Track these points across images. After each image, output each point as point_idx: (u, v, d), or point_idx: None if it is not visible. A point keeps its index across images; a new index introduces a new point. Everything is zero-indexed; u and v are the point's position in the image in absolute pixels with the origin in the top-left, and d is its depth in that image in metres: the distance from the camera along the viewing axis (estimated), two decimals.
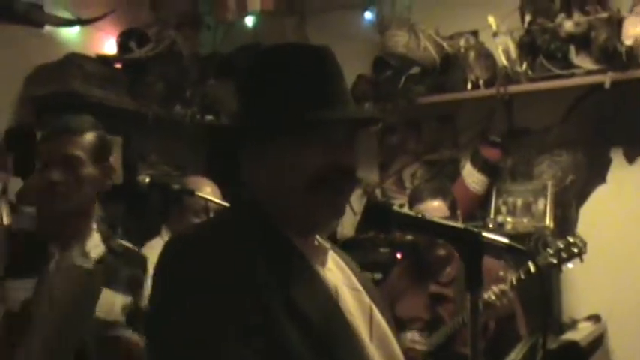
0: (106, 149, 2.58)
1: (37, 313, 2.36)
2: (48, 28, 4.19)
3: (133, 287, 2.58)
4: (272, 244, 1.55)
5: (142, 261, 2.69)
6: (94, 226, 2.58)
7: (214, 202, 3.20)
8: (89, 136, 2.49)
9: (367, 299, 1.66)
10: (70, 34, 4.34)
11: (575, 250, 3.38)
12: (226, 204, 2.90)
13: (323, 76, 1.61)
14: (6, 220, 3.33)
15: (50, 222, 2.50)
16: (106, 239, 2.59)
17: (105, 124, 4.15)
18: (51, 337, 2.36)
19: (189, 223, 3.55)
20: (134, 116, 4.28)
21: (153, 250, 3.62)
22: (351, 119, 1.67)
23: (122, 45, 4.44)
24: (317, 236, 1.67)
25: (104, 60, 4.36)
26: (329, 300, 1.56)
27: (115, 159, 4.17)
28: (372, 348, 1.57)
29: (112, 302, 2.52)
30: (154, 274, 1.56)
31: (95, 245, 2.54)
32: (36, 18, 4.09)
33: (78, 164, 2.44)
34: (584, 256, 3.41)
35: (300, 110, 1.56)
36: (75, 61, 4.07)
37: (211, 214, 3.63)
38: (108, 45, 4.55)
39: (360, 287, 1.68)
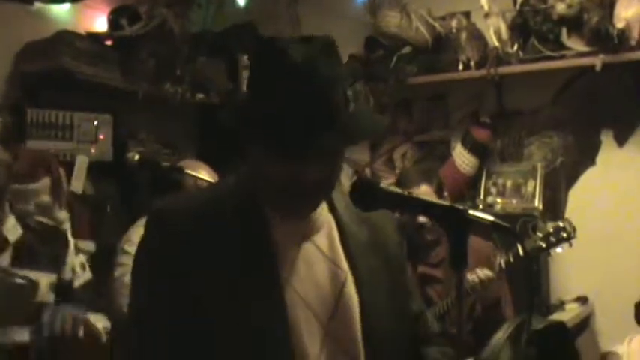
0: (13, 132, 2.58)
1: None
2: (38, 4, 4.16)
3: (54, 265, 2.59)
4: (240, 222, 1.66)
5: (62, 236, 2.69)
6: (7, 208, 2.57)
7: (203, 180, 3.19)
8: None
9: (343, 276, 1.69)
10: (61, 10, 4.31)
11: (564, 235, 3.39)
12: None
13: (300, 97, 1.55)
14: None
15: None
16: (21, 218, 2.59)
17: (95, 101, 4.19)
18: None
19: None
20: (124, 94, 4.27)
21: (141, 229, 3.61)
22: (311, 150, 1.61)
23: (113, 22, 4.42)
24: (320, 209, 1.71)
25: (95, 37, 4.33)
26: (270, 294, 1.62)
27: (105, 136, 4.20)
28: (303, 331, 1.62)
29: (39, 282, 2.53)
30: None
31: (12, 226, 2.54)
32: None
33: None
34: (573, 240, 3.43)
35: (263, 128, 1.56)
36: (65, 38, 4.05)
37: None
38: (99, 22, 4.53)
39: (342, 262, 1.71)
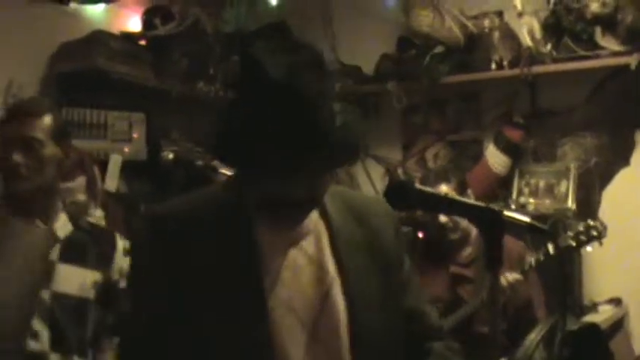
0: (64, 129, 2.63)
1: None
2: (73, 5, 4.19)
3: (101, 264, 2.63)
4: (226, 229, 1.66)
5: (111, 238, 2.73)
6: (60, 205, 2.62)
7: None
8: (47, 118, 2.56)
9: (329, 281, 1.68)
10: (95, 11, 4.34)
11: (595, 234, 3.38)
12: None
13: (282, 117, 1.50)
14: None
15: (14, 202, 2.54)
16: (73, 218, 2.63)
17: (129, 100, 4.23)
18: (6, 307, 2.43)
19: None
20: (157, 93, 4.29)
21: None
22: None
23: (146, 22, 4.45)
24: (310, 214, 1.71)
25: (128, 37, 4.37)
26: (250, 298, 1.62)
27: (139, 135, 4.23)
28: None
29: (83, 279, 2.56)
30: None
31: (63, 224, 2.59)
32: None
33: (39, 146, 2.51)
34: (605, 240, 3.40)
35: (246, 148, 1.55)
36: (100, 38, 4.08)
37: None
38: (132, 22, 4.56)
39: (330, 266, 1.70)
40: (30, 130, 2.51)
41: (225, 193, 1.74)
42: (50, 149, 2.53)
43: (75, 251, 2.58)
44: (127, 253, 2.66)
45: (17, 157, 2.48)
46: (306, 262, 1.68)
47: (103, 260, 2.64)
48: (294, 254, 1.67)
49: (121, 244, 2.71)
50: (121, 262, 2.67)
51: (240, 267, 1.63)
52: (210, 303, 1.61)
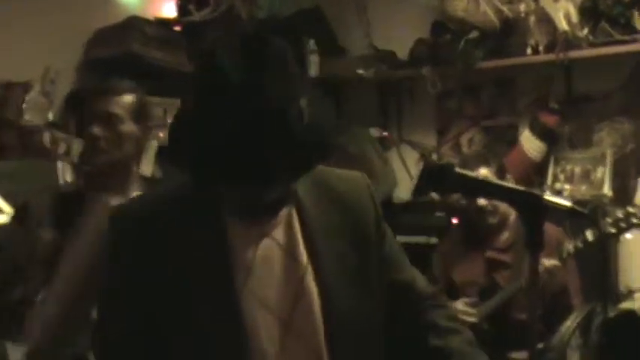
0: (145, 110, 2.70)
1: (65, 258, 2.47)
2: None
3: None
4: (195, 226, 1.62)
5: None
6: (135, 183, 2.67)
7: None
8: (128, 97, 2.67)
9: (301, 270, 1.64)
10: None
11: (635, 221, 3.34)
12: None
13: (241, 122, 1.44)
14: (69, 180, 3.41)
15: (92, 175, 2.61)
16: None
17: (164, 86, 4.24)
18: (76, 280, 2.44)
19: None
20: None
21: None
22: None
23: (181, 8, 4.47)
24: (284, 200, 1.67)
25: (163, 23, 4.38)
26: (224, 299, 1.59)
27: None
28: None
29: None
30: None
31: None
32: None
33: (117, 121, 2.61)
34: None
35: (207, 154, 1.49)
36: (135, 24, 4.10)
37: None
38: (167, 8, 4.58)
39: (303, 256, 1.66)
40: (110, 106, 2.62)
41: (191, 189, 1.67)
42: (129, 126, 2.63)
43: None
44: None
45: (97, 131, 2.59)
46: (279, 253, 1.64)
47: None
48: (266, 245, 1.63)
49: None
50: None
51: (211, 264, 1.60)
52: (183, 302, 1.58)
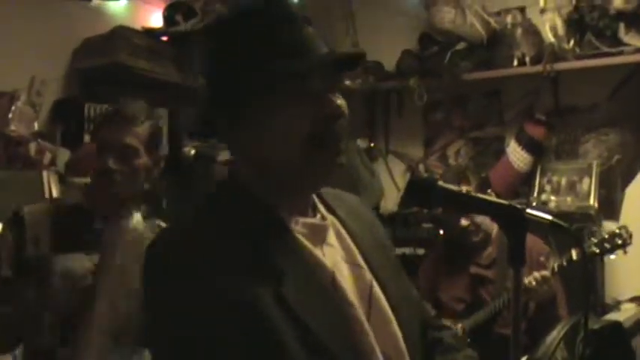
0: (159, 138, 2.63)
1: (103, 281, 2.42)
2: (95, 1, 4.24)
3: None
4: (262, 231, 1.48)
5: None
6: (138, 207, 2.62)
7: None
8: (146, 126, 2.53)
9: (368, 275, 1.58)
10: (118, 6, 4.38)
11: (619, 242, 3.36)
12: None
13: (290, 27, 1.50)
14: (54, 190, 3.39)
15: (102, 204, 2.54)
16: (146, 218, 2.63)
17: (151, 96, 4.23)
18: (117, 301, 2.42)
19: None
20: (179, 89, 4.30)
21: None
22: (334, 59, 1.55)
23: (168, 18, 4.47)
24: (320, 207, 1.62)
25: (151, 33, 4.39)
26: (322, 289, 1.48)
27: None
28: (370, 332, 1.50)
29: None
30: (145, 284, 1.48)
31: (137, 223, 2.57)
32: None
33: (134, 154, 2.49)
34: (628, 247, 3.38)
35: (280, 64, 1.46)
36: (122, 33, 4.11)
37: None
38: (154, 18, 4.58)
39: (361, 261, 1.60)
40: (128, 138, 2.48)
41: (238, 204, 1.53)
42: (144, 159, 2.51)
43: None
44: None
45: (112, 164, 2.46)
46: (340, 259, 1.57)
47: None
48: (328, 251, 1.55)
49: None
50: None
51: (312, 278, 1.48)
52: (291, 309, 1.41)
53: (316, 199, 1.63)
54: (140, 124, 2.52)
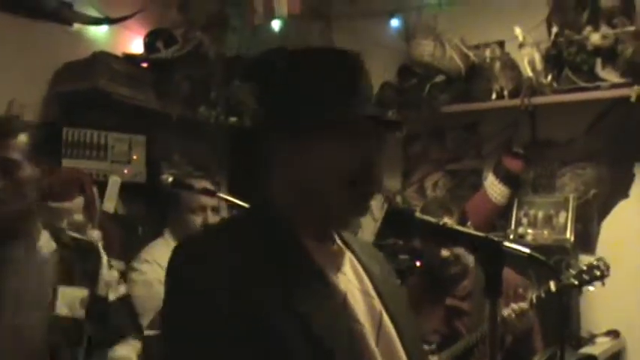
0: (43, 147, 2.51)
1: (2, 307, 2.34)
2: (76, 25, 4.23)
3: (87, 280, 2.56)
4: (282, 251, 1.54)
5: (95, 250, 2.65)
6: (40, 225, 2.53)
7: (233, 203, 3.16)
8: (22, 137, 2.39)
9: (378, 306, 1.63)
10: (98, 32, 4.37)
11: (597, 274, 3.37)
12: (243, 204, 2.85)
13: (353, 75, 1.60)
14: None
15: None
16: (54, 234, 2.56)
17: (129, 122, 4.24)
18: (19, 328, 2.35)
19: (187, 222, 3.63)
20: (159, 116, 4.30)
21: (151, 249, 3.66)
22: (385, 118, 1.66)
23: (149, 44, 4.47)
24: (337, 240, 1.67)
25: (131, 59, 4.38)
26: (335, 311, 1.54)
27: (139, 157, 4.23)
28: (377, 353, 1.55)
29: (74, 298, 2.50)
30: (166, 278, 1.55)
31: (46, 242, 2.50)
32: (65, 16, 4.13)
33: (15, 167, 2.35)
34: (606, 279, 3.39)
35: (334, 106, 1.55)
36: (102, 59, 4.10)
37: (219, 214, 3.68)
38: (135, 44, 4.58)
39: (373, 293, 1.65)
40: (4, 152, 2.35)
41: (263, 222, 1.59)
42: (28, 170, 2.37)
43: (61, 271, 2.51)
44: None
45: None
46: (354, 288, 1.62)
47: (88, 276, 2.57)
48: (342, 279, 1.60)
49: (105, 257, 2.65)
50: (107, 275, 2.62)
51: (325, 295, 1.53)
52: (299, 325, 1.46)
53: (334, 232, 1.68)
54: (16, 136, 2.38)
